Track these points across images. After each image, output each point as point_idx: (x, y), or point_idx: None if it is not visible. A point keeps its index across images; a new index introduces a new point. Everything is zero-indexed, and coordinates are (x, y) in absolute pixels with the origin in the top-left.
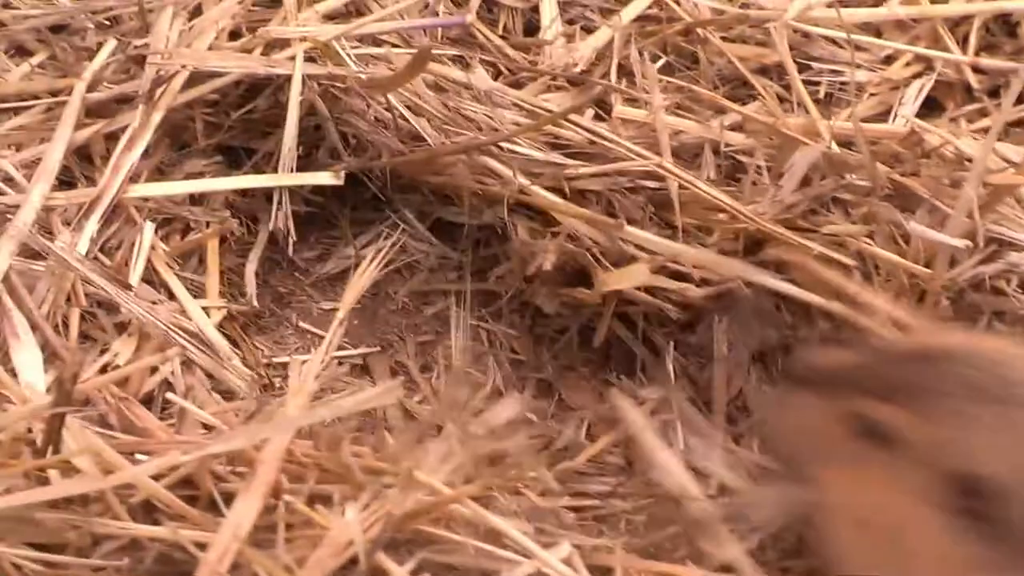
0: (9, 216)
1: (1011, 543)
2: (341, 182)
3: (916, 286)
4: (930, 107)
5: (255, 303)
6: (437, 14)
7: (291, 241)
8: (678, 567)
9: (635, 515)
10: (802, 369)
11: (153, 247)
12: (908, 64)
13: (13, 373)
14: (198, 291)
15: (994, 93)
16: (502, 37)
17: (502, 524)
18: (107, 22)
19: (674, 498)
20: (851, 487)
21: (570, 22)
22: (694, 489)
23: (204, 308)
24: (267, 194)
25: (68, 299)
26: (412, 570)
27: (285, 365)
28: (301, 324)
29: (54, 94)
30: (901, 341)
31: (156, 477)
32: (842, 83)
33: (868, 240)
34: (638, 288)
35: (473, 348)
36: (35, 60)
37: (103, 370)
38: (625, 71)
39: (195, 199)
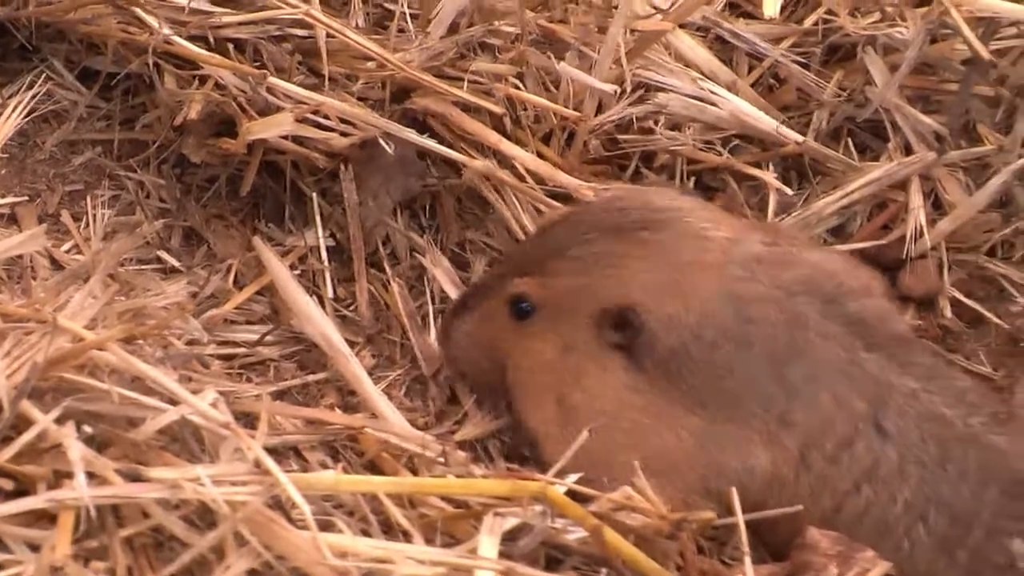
0: None
1: (653, 363)
2: None
3: (566, 129)
4: None
5: None
6: None
7: None
8: (325, 412)
9: (283, 363)
10: (460, 299)
11: None
12: None
13: None
14: None
15: None
16: None
17: (148, 370)
18: None
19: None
20: (523, 361)
21: None
22: (336, 336)
23: None
24: None
25: None
26: (57, 418)
27: None
28: None
29: None
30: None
31: None
32: None
33: (518, 83)
34: (284, 137)
35: (122, 197)
36: None
37: None
38: None
39: None
